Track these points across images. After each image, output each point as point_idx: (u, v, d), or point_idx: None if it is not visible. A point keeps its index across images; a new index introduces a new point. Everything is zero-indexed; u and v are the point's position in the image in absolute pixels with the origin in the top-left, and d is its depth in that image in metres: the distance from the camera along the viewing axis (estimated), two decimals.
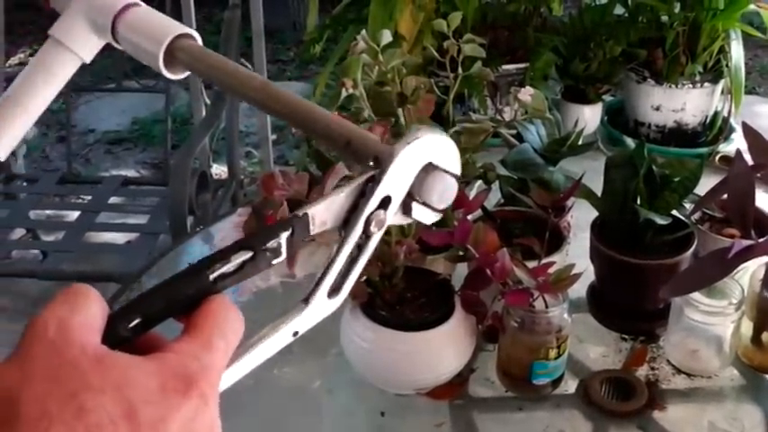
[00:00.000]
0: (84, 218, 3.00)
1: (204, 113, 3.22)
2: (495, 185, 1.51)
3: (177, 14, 3.03)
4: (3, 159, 0.94)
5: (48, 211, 3.53)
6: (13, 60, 5.46)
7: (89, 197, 3.19)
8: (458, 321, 1.31)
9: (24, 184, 3.29)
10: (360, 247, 0.63)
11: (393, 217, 0.64)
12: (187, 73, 0.87)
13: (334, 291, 0.62)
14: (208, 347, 0.54)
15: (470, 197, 1.35)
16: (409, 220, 0.66)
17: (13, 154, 3.28)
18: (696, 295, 1.33)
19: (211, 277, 0.57)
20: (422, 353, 1.30)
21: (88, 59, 0.94)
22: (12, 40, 3.42)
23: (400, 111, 1.39)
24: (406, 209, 0.65)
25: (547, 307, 1.29)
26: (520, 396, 1.36)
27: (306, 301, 0.61)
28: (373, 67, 1.38)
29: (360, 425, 1.35)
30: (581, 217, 1.51)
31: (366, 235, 0.63)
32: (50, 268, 2.86)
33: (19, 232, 3.19)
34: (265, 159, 3.54)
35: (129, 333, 0.54)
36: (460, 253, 1.34)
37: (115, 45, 0.91)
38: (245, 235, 0.59)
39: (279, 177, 1.25)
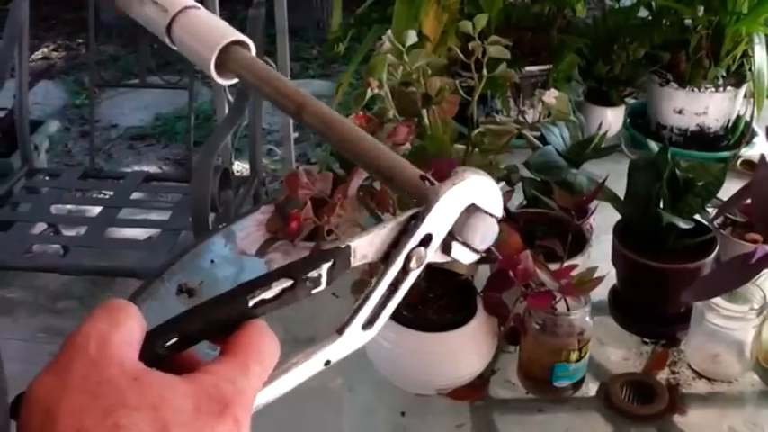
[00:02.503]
0: (105, 213, 3.02)
1: (227, 111, 3.23)
2: (519, 187, 1.51)
3: None
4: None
5: (69, 206, 3.55)
6: (37, 55, 5.48)
7: (111, 192, 3.21)
8: (479, 322, 1.31)
9: (46, 178, 3.31)
10: (397, 283, 0.63)
11: (433, 254, 0.65)
12: (236, 79, 0.86)
13: (368, 323, 0.62)
14: (244, 371, 0.55)
15: None
16: (448, 259, 0.66)
17: (36, 148, 3.29)
18: (718, 300, 1.33)
19: (251, 302, 0.57)
20: (443, 353, 1.30)
21: None
22: (35, 35, 3.43)
23: (424, 111, 1.39)
24: (446, 248, 0.65)
25: (569, 309, 1.30)
26: (540, 398, 1.36)
27: (340, 331, 0.62)
28: (398, 67, 1.38)
29: (380, 424, 1.35)
30: (603, 220, 1.51)
31: (405, 270, 0.63)
32: (71, 263, 2.88)
33: (40, 227, 3.20)
34: (287, 157, 3.54)
35: (166, 351, 0.55)
36: (483, 254, 1.34)
37: (171, 47, 0.90)
38: (286, 264, 0.60)
39: (303, 176, 1.25)
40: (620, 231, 1.46)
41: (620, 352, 1.45)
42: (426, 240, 0.64)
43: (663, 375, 1.40)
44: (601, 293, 1.47)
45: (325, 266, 0.60)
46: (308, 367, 0.60)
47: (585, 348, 1.31)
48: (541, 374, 1.33)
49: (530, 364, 1.35)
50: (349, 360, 0.62)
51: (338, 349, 0.61)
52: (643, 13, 2.23)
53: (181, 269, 1.70)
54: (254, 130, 3.13)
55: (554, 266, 1.31)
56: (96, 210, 3.11)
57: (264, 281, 0.58)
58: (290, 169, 3.32)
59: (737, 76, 2.11)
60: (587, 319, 1.30)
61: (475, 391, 1.36)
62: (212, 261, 1.76)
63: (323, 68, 5.63)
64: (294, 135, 3.57)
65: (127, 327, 0.54)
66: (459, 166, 0.67)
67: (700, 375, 1.40)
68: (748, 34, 2.05)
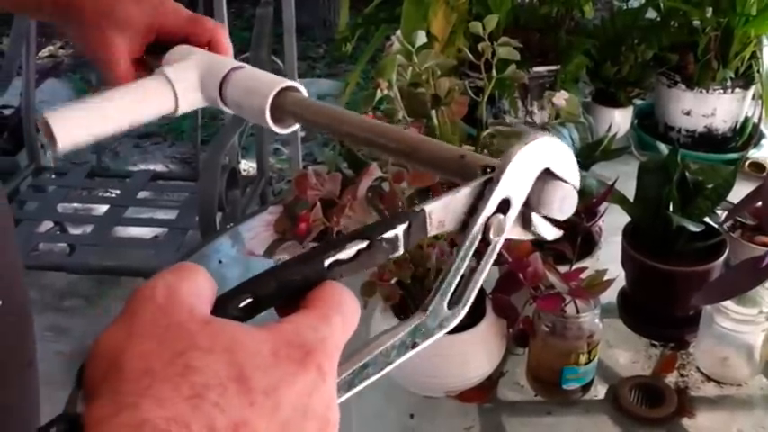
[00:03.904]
0: (112, 212, 3.01)
1: None
2: None
3: (209, 11, 3.03)
4: (60, 150, 0.88)
5: (76, 205, 3.54)
6: (44, 53, 5.48)
7: (117, 191, 3.21)
8: (488, 325, 1.31)
9: (53, 176, 3.30)
10: (479, 255, 0.61)
11: (513, 229, 0.63)
12: (296, 126, 0.88)
13: (454, 302, 0.60)
14: (325, 320, 0.52)
15: None
16: (530, 236, 0.65)
17: (42, 146, 3.29)
18: (727, 303, 1.33)
19: (326, 263, 0.56)
20: (452, 355, 1.30)
21: (180, 111, 0.92)
22: (42, 33, 3.42)
23: (433, 112, 1.39)
24: (525, 222, 0.64)
25: (578, 312, 1.29)
26: (549, 400, 1.35)
27: (424, 308, 0.59)
28: (407, 67, 1.38)
29: (389, 427, 1.35)
30: (613, 222, 1.51)
31: (486, 242, 0.61)
32: (77, 262, 2.88)
33: (47, 225, 3.20)
34: (294, 156, 3.54)
35: (240, 313, 0.53)
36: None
37: (224, 109, 0.92)
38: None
39: (312, 177, 1.25)
40: (629, 234, 1.46)
41: (628, 355, 1.45)
42: (504, 207, 0.61)
43: (672, 378, 1.39)
44: (610, 296, 1.47)
45: (401, 227, 0.58)
46: (394, 352, 0.57)
47: (595, 351, 1.31)
48: (550, 377, 1.33)
49: (539, 366, 1.34)
50: None
51: (425, 330, 0.58)
52: (651, 14, 2.23)
53: None
54: (260, 129, 3.13)
55: (563, 269, 1.31)
56: (103, 208, 3.11)
57: (339, 242, 0.56)
58: (296, 169, 3.32)
59: (745, 78, 2.10)
60: (596, 321, 1.30)
61: (484, 393, 1.36)
62: (220, 261, 1.75)
63: (330, 68, 5.62)
64: (301, 134, 3.57)
65: (197, 281, 0.51)
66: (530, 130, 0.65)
67: (709, 378, 1.39)
68: (757, 36, 2.05)
